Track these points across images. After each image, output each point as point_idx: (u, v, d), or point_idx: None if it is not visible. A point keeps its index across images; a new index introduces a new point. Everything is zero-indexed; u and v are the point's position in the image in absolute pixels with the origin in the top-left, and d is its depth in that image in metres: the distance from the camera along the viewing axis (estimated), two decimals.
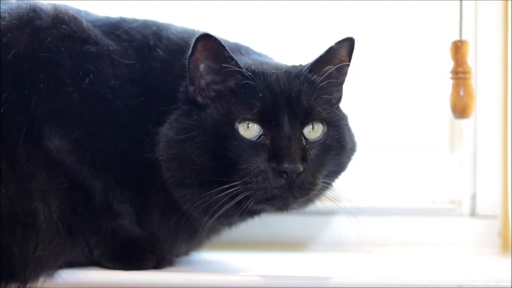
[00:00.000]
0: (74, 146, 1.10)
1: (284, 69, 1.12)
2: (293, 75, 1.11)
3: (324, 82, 1.11)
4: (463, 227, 1.55)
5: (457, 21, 1.43)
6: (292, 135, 1.06)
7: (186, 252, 1.30)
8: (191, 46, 1.06)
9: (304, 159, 1.05)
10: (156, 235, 1.18)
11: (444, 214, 1.57)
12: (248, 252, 1.41)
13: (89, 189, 1.12)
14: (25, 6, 1.13)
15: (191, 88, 1.10)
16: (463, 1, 1.45)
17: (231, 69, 1.07)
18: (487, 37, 1.55)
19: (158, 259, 1.17)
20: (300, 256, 1.47)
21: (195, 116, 1.08)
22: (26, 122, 1.07)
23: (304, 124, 1.09)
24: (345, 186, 1.18)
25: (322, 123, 1.11)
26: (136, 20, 1.21)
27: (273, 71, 1.10)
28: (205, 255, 1.34)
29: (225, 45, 1.06)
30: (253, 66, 1.12)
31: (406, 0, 1.62)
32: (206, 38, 1.06)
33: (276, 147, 1.05)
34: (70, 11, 1.14)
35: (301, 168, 1.03)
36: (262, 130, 1.07)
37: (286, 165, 1.03)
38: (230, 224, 1.22)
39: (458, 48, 1.37)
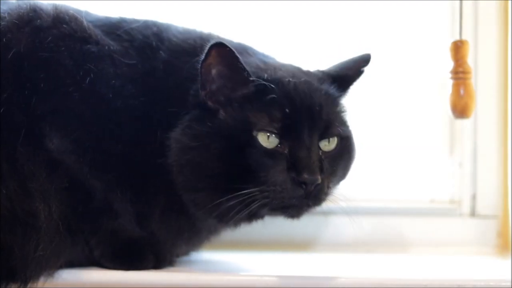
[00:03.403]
0: (74, 146, 1.09)
1: (303, 79, 1.12)
2: (314, 87, 1.12)
3: (340, 96, 1.16)
4: (463, 227, 1.55)
5: (457, 21, 1.43)
6: (311, 146, 1.07)
7: (186, 252, 1.30)
8: (205, 51, 1.06)
9: (321, 170, 1.07)
10: (156, 235, 1.17)
11: (444, 214, 1.58)
12: (248, 252, 1.42)
13: (90, 189, 1.12)
14: (25, 6, 1.12)
15: (202, 93, 1.10)
16: (463, 1, 1.46)
17: (245, 77, 1.07)
18: (487, 37, 1.56)
19: (158, 259, 1.17)
20: (300, 256, 1.47)
21: (209, 123, 1.08)
22: (26, 122, 1.07)
23: (322, 137, 1.10)
24: (345, 186, 1.18)
25: (337, 136, 1.13)
26: (136, 21, 1.21)
27: (290, 79, 1.10)
28: (205, 255, 1.34)
29: (238, 56, 1.06)
30: (267, 71, 1.11)
31: (406, 0, 1.62)
32: (220, 46, 1.05)
33: (295, 157, 1.06)
34: (71, 11, 1.14)
35: (319, 180, 1.05)
36: (280, 139, 1.07)
37: (306, 176, 1.04)
38: (235, 226, 1.22)
39: (458, 48, 1.37)
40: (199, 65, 1.08)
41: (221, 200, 1.06)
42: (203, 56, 1.06)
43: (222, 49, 1.06)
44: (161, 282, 1.13)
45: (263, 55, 1.24)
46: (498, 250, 1.54)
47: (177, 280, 1.13)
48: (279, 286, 1.13)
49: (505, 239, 1.53)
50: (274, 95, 1.07)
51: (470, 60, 1.38)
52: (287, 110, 1.07)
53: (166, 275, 1.14)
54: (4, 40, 1.08)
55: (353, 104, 1.21)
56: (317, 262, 1.43)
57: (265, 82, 1.07)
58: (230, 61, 1.06)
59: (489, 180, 1.56)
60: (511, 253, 1.47)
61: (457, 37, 1.39)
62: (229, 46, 1.05)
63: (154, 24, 1.21)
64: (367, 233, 1.54)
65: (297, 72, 1.16)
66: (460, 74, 1.36)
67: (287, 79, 1.10)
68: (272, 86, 1.07)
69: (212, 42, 1.06)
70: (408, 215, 1.57)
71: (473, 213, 1.57)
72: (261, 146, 1.06)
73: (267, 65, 1.16)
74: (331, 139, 1.12)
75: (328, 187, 1.10)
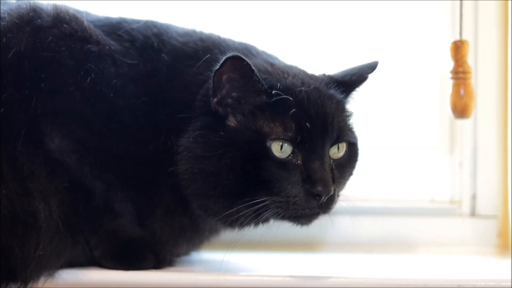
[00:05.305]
0: (75, 145, 1.09)
1: (312, 86, 1.12)
2: (325, 95, 1.12)
3: (345, 100, 1.17)
4: (463, 227, 1.55)
5: (457, 21, 1.43)
6: (324, 157, 1.08)
7: (187, 252, 1.31)
8: (220, 62, 1.05)
9: (333, 180, 1.08)
10: (158, 235, 1.18)
11: (444, 214, 1.57)
12: (248, 252, 1.41)
13: (90, 189, 1.12)
14: (25, 6, 1.12)
15: (214, 100, 1.09)
16: (463, 1, 1.46)
17: (259, 88, 1.07)
18: (487, 37, 1.55)
19: (158, 259, 1.17)
20: (300, 256, 1.47)
21: (221, 132, 1.08)
22: (27, 121, 1.07)
23: (332, 145, 1.11)
24: (346, 187, 1.18)
25: (346, 143, 1.14)
26: (136, 21, 1.21)
27: (301, 88, 1.10)
28: (205, 255, 1.33)
29: (254, 68, 1.05)
30: (277, 77, 1.11)
31: (406, 0, 1.62)
32: (236, 59, 1.05)
33: (309, 169, 1.06)
34: (71, 11, 1.14)
35: (332, 191, 1.06)
36: (294, 149, 1.07)
37: (320, 189, 1.05)
38: (241, 229, 1.21)
39: (458, 48, 1.37)
40: (212, 73, 1.07)
41: (234, 209, 1.07)
42: (217, 66, 1.06)
43: (237, 62, 1.05)
44: (161, 282, 1.13)
45: (267, 54, 1.24)
46: (498, 250, 1.54)
47: (177, 280, 1.13)
48: (280, 286, 1.14)
49: (505, 239, 1.53)
50: (288, 106, 1.07)
51: (470, 60, 1.38)
52: (302, 120, 1.07)
53: (166, 275, 1.15)
54: (4, 40, 1.08)
55: (354, 104, 1.21)
56: (317, 262, 1.43)
57: (280, 92, 1.07)
58: (245, 73, 1.06)
59: (489, 180, 1.56)
60: (511, 253, 1.47)
61: (457, 37, 1.39)
62: (246, 59, 1.04)
63: (154, 25, 1.21)
64: (367, 233, 1.54)
65: (304, 77, 1.16)
66: (460, 74, 1.36)
67: (298, 88, 1.10)
68: (287, 96, 1.07)
69: (229, 54, 1.05)
70: (408, 215, 1.57)
71: (473, 213, 1.57)
72: (274, 156, 1.06)
73: (274, 68, 1.15)
74: (340, 146, 1.13)
75: (338, 195, 1.11)
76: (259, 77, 1.06)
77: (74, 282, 1.12)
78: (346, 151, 1.14)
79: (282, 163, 1.07)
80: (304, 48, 1.58)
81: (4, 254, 1.04)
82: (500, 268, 1.32)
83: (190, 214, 1.16)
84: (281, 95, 1.07)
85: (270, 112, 1.08)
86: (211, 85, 1.09)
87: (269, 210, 1.06)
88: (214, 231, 1.26)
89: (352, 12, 1.62)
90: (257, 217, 1.08)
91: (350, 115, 1.19)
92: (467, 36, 1.44)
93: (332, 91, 1.15)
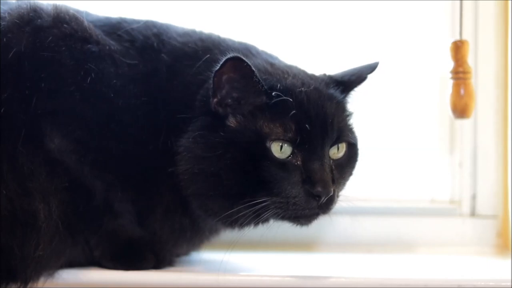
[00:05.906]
0: (75, 145, 1.09)
1: (312, 86, 1.12)
2: (325, 95, 1.12)
3: (345, 100, 1.17)
4: (463, 227, 1.55)
5: (457, 21, 1.43)
6: (324, 158, 1.08)
7: (187, 252, 1.31)
8: (220, 62, 1.05)
9: (333, 180, 1.08)
10: (158, 235, 1.18)
11: (444, 214, 1.57)
12: (247, 252, 1.41)
13: (90, 189, 1.12)
14: (25, 6, 1.12)
15: (214, 100, 1.09)
16: (463, 1, 1.46)
17: (259, 89, 1.07)
18: (487, 37, 1.55)
19: (158, 259, 1.17)
20: (300, 256, 1.47)
21: (221, 132, 1.08)
22: (27, 121, 1.07)
23: (332, 145, 1.11)
24: (346, 187, 1.18)
25: (346, 143, 1.14)
26: (136, 21, 1.21)
27: (301, 88, 1.10)
28: (205, 255, 1.34)
29: (254, 69, 1.05)
30: (277, 77, 1.11)
31: (406, 0, 1.62)
32: (236, 60, 1.05)
33: (309, 169, 1.07)
34: (71, 11, 1.14)
35: (332, 191, 1.06)
36: (294, 150, 1.07)
37: (320, 189, 1.05)
38: (240, 229, 1.21)
39: (458, 48, 1.37)
40: (212, 74, 1.07)
41: (234, 209, 1.07)
42: (217, 66, 1.06)
43: (237, 62, 1.05)
44: (161, 282, 1.13)
45: (267, 54, 1.24)
46: (498, 250, 1.54)
47: (177, 280, 1.13)
48: (280, 286, 1.14)
49: (505, 239, 1.53)
50: (288, 106, 1.07)
51: (470, 60, 1.38)
52: (301, 121, 1.07)
53: (166, 275, 1.15)
54: (4, 39, 1.08)
55: (354, 104, 1.21)
56: (317, 262, 1.43)
57: (280, 93, 1.07)
58: (245, 73, 1.06)
59: (489, 180, 1.56)
60: (511, 253, 1.47)
61: (457, 37, 1.39)
62: (246, 61, 1.04)
63: (154, 25, 1.21)
64: (367, 233, 1.54)
65: (304, 77, 1.16)
66: (460, 74, 1.36)
67: (299, 89, 1.10)
68: (287, 97, 1.07)
69: (229, 55, 1.05)
70: (408, 215, 1.57)
71: (473, 213, 1.57)
72: (274, 157, 1.06)
73: (274, 68, 1.15)
74: (340, 146, 1.13)
75: (338, 195, 1.11)
76: (259, 78, 1.06)
77: (74, 282, 1.12)
78: (346, 152, 1.14)
79: (282, 164, 1.07)
80: (304, 48, 1.58)
81: (4, 254, 1.04)
82: (500, 268, 1.32)
83: (190, 214, 1.16)
84: (281, 96, 1.07)
85: (270, 113, 1.08)
86: (211, 86, 1.09)
87: (269, 211, 1.07)
88: (214, 231, 1.26)
89: (352, 12, 1.62)
90: (257, 218, 1.08)
91: (350, 115, 1.20)
92: (467, 36, 1.44)
93: (332, 91, 1.15)
